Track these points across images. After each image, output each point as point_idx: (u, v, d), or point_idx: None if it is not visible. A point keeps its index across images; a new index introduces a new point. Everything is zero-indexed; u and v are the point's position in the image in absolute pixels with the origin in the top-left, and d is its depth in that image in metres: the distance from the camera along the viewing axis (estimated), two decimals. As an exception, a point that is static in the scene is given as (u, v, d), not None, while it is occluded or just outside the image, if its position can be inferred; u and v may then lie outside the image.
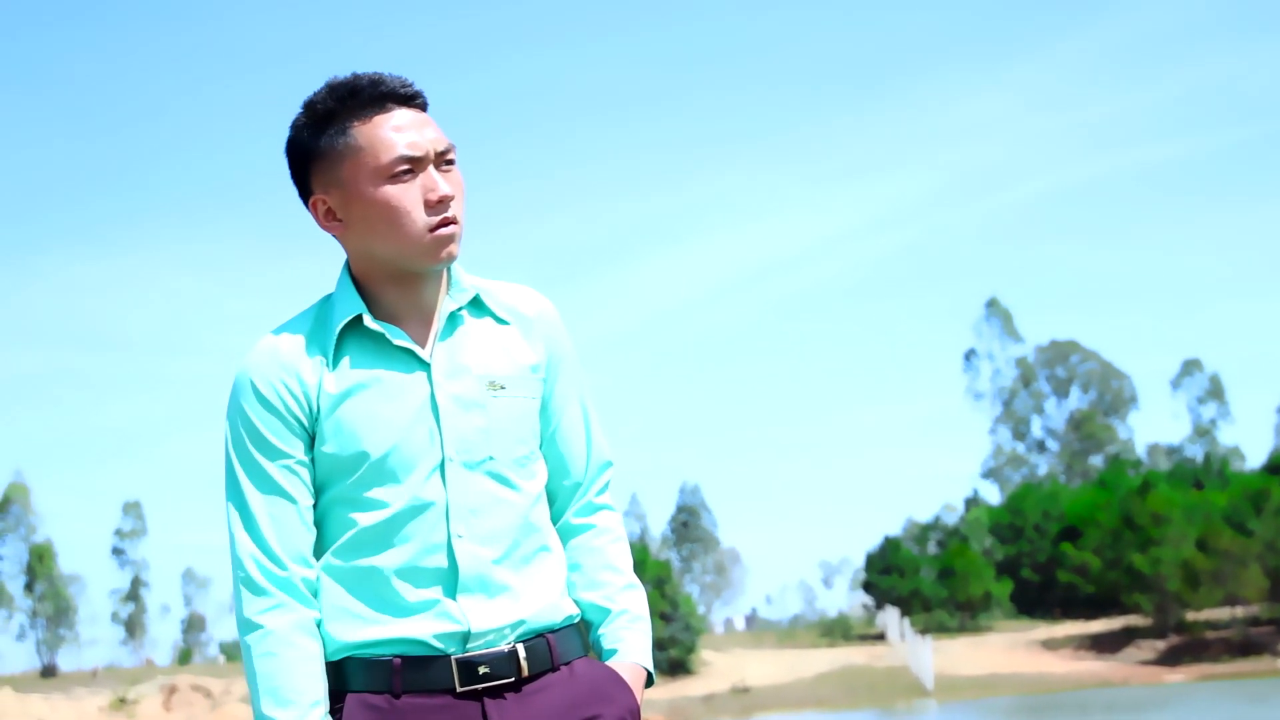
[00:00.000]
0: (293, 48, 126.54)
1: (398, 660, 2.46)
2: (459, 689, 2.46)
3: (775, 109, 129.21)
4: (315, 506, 2.56)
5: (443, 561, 2.49)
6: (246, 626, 2.48)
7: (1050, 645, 63.00)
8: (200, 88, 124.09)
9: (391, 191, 2.51)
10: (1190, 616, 60.58)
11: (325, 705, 2.46)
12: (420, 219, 2.51)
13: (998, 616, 70.35)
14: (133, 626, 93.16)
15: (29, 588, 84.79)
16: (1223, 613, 60.68)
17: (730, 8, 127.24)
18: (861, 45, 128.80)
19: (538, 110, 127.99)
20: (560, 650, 2.57)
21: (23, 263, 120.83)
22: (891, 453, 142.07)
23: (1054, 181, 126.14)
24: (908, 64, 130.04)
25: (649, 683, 2.70)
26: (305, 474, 2.53)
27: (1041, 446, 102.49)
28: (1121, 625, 63.08)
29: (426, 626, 2.47)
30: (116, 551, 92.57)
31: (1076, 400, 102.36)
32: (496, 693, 2.49)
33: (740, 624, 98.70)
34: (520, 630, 2.52)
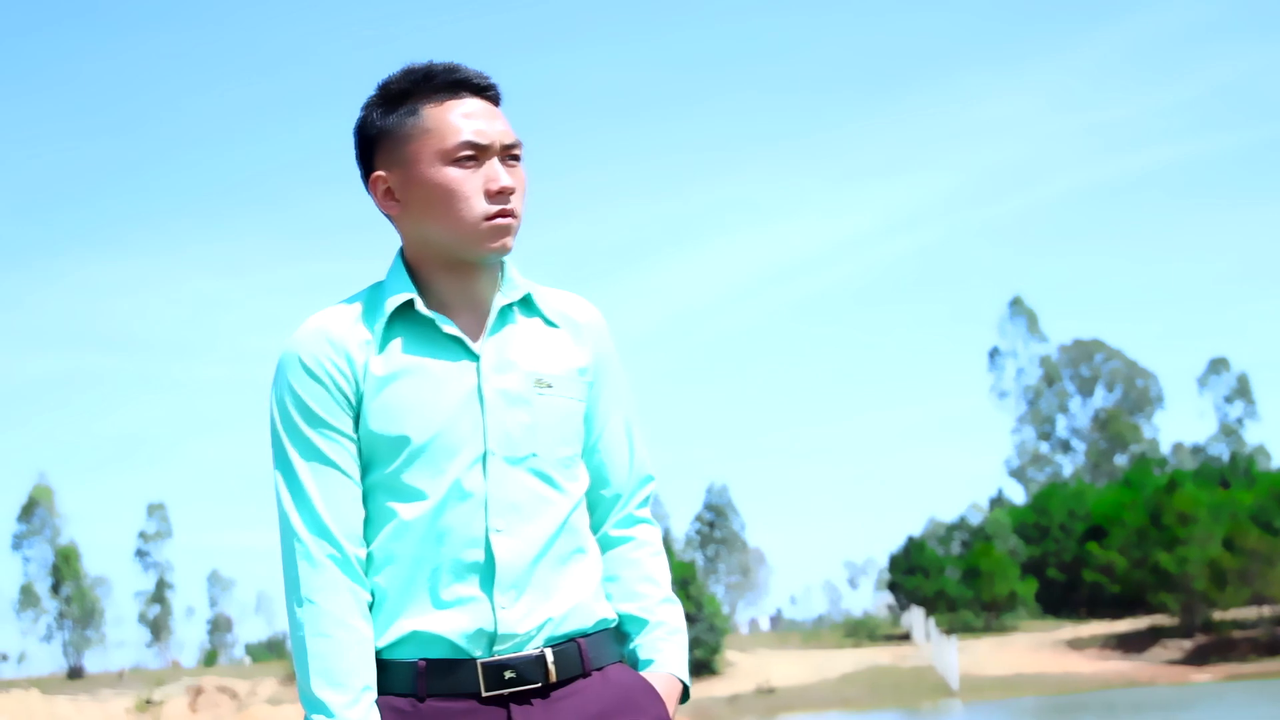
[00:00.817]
0: (309, 48, 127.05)
1: (422, 663, 2.43)
2: (484, 694, 2.42)
3: (795, 111, 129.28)
4: (361, 489, 2.53)
5: (480, 556, 2.45)
6: (300, 602, 2.45)
7: (1076, 645, 62.80)
8: (216, 87, 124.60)
9: (453, 175, 2.49)
10: (1217, 616, 60.35)
11: (375, 691, 2.43)
12: (478, 206, 2.49)
13: (1023, 616, 70.15)
14: (158, 628, 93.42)
15: (55, 590, 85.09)
16: (1249, 612, 60.43)
17: (747, 10, 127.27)
18: (881, 47, 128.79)
19: (555, 112, 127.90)
20: (592, 655, 2.53)
21: (42, 265, 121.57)
22: (916, 453, 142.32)
23: (1076, 181, 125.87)
24: (928, 65, 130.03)
25: (685, 696, 2.67)
26: (353, 449, 2.50)
27: (1066, 446, 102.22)
28: (1148, 625, 62.84)
29: (456, 623, 2.43)
30: (140, 554, 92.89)
31: (1101, 399, 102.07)
32: (523, 698, 2.45)
33: (765, 624, 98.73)
34: (549, 633, 2.48)
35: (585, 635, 2.53)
